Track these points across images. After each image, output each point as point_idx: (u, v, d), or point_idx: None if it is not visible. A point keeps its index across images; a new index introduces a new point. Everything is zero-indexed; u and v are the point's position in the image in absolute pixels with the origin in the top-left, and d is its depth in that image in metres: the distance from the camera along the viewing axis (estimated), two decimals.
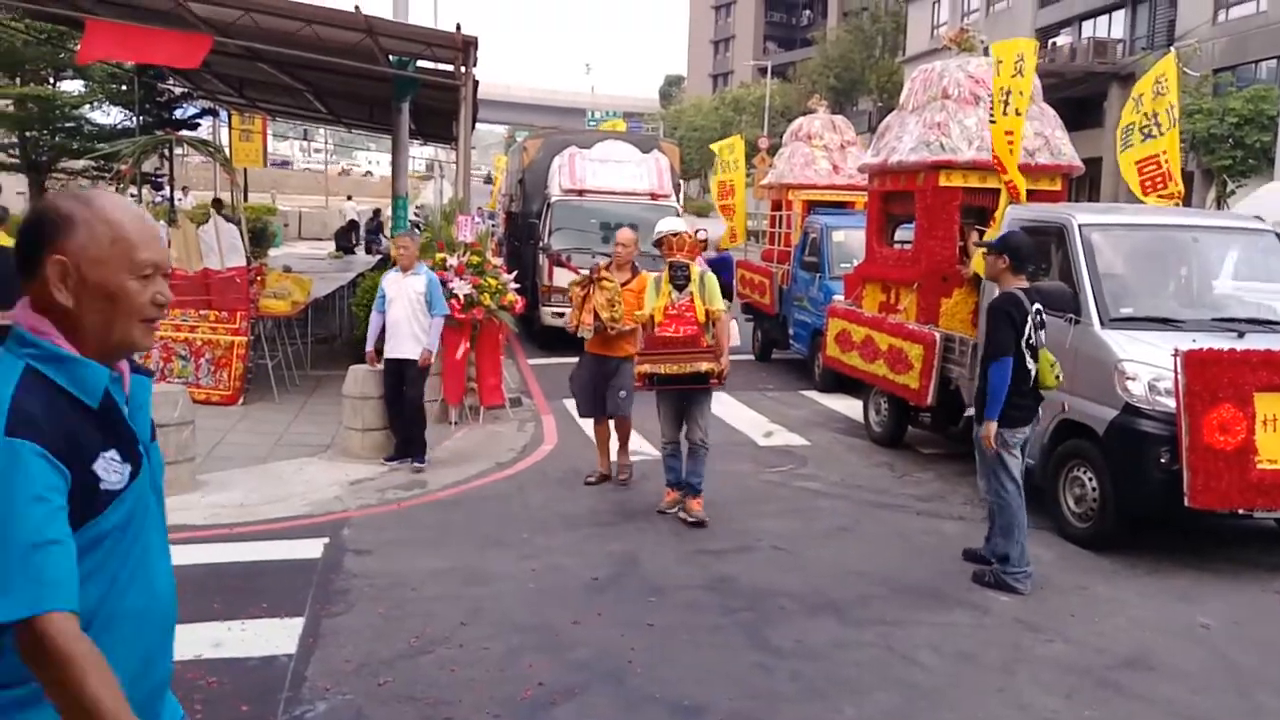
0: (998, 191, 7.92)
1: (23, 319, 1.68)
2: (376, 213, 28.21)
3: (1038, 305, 5.59)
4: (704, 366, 6.49)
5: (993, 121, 7.68)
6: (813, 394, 11.36)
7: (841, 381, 10.63)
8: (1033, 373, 5.57)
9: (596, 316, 6.95)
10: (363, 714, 3.88)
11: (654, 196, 13.98)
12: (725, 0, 79.50)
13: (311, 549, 5.78)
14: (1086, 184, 29.86)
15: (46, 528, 1.55)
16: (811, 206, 13.28)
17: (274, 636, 4.56)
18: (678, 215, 13.64)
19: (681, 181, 17.73)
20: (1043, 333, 5.65)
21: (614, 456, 7.52)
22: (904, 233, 9.65)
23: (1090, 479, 6.25)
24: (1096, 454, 6.21)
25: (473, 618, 4.86)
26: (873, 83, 49.12)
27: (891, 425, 8.90)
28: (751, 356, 14.02)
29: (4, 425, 1.56)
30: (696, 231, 15.07)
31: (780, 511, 6.94)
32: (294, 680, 4.15)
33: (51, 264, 1.66)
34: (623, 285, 7.14)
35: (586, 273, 7.21)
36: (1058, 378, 5.73)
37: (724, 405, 10.39)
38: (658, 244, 6.76)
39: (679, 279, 6.57)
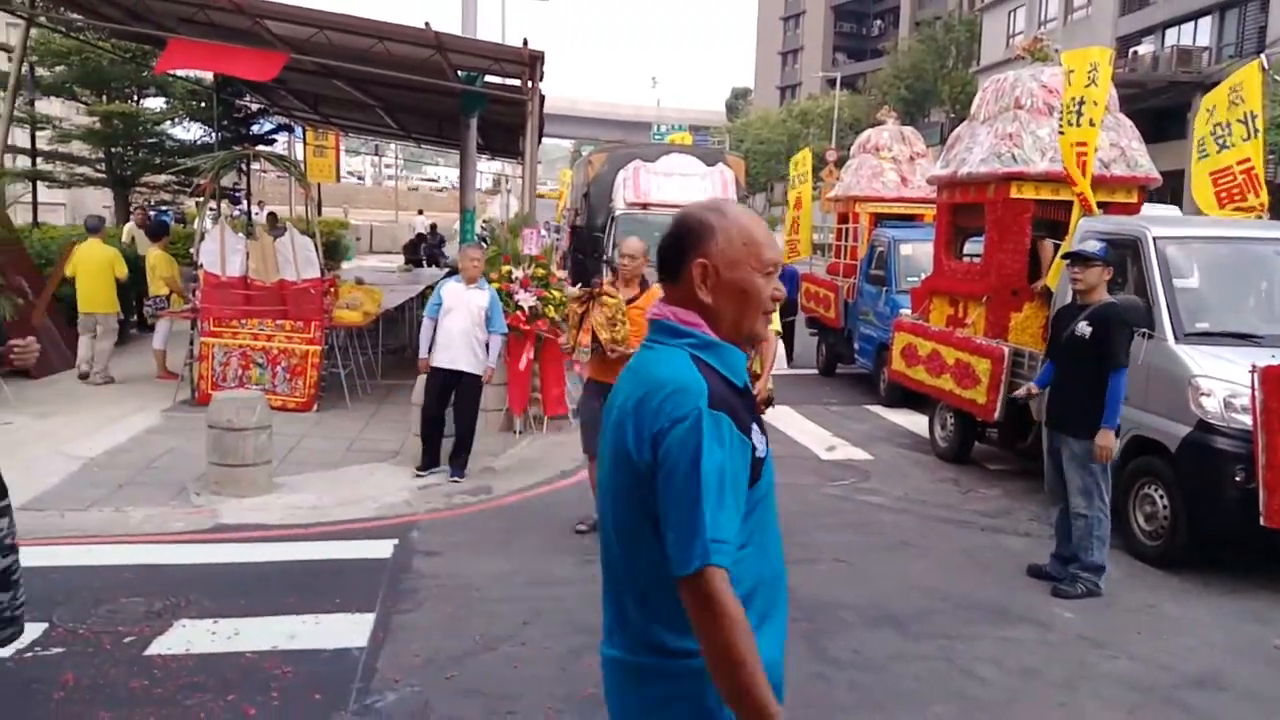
0: (1070, 204, 7.84)
1: (671, 314, 1.93)
2: (433, 228, 28.87)
3: None
4: None
5: (1061, 133, 7.60)
6: (877, 409, 11.28)
7: (907, 396, 10.55)
8: None
9: (595, 338, 6.25)
10: (430, 706, 4.00)
11: None
12: (794, 11, 79.29)
13: (382, 549, 5.94)
14: (1167, 197, 29.07)
15: (733, 492, 1.77)
16: (879, 219, 13.22)
17: (346, 631, 4.71)
18: None
19: (747, 195, 17.75)
20: None
21: None
22: (973, 246, 9.57)
23: (1161, 497, 6.14)
24: (1168, 471, 6.10)
25: (535, 618, 4.96)
26: (945, 94, 48.46)
27: (957, 441, 8.81)
28: (815, 371, 13.98)
29: (706, 400, 1.78)
30: None
31: (842, 525, 6.92)
32: (365, 672, 4.29)
33: (695, 266, 1.90)
34: (629, 303, 6.41)
35: (586, 288, 6.59)
36: None
37: (786, 419, 10.39)
38: None
39: None
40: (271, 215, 18.06)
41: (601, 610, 2.01)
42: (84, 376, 10.54)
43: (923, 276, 10.11)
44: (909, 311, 9.96)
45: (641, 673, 1.89)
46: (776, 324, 6.33)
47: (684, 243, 1.92)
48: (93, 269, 10.67)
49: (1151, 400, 6.33)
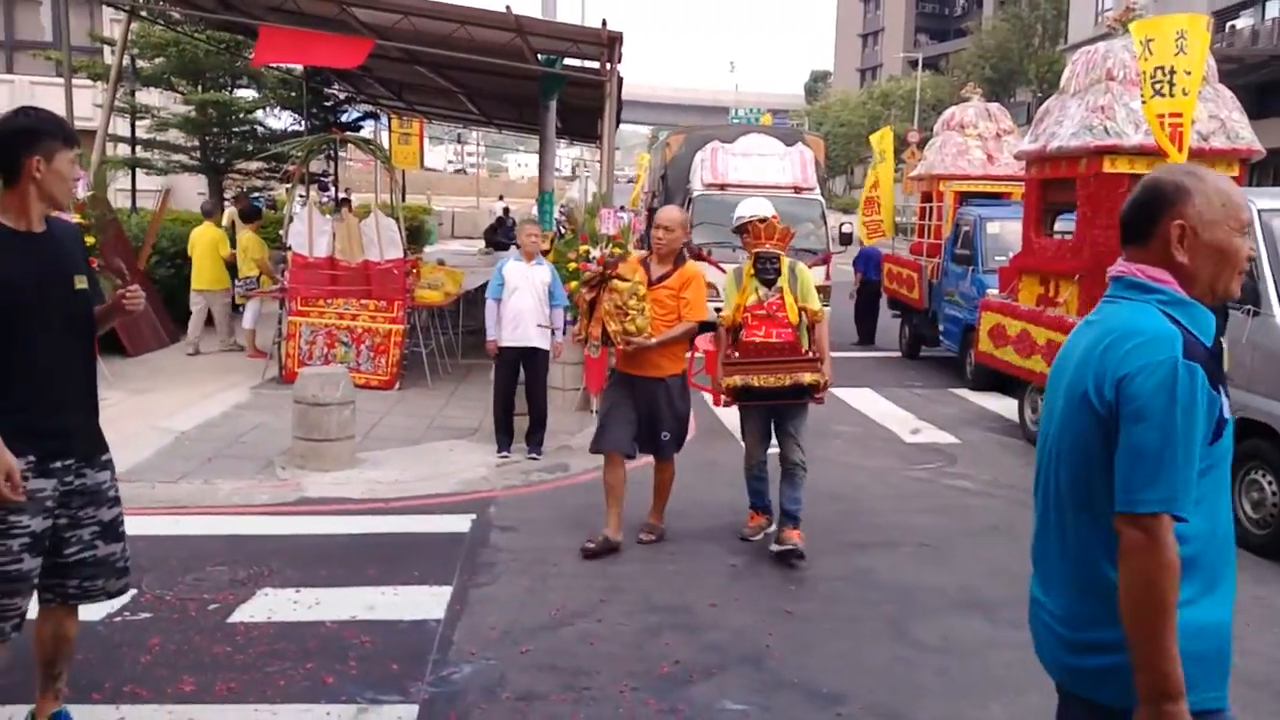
0: None
1: (1138, 271, 2.00)
2: (506, 211, 29.34)
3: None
4: (807, 378, 5.42)
5: (1144, 103, 7.28)
6: (963, 392, 11.00)
7: (995, 379, 10.28)
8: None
9: (605, 328, 5.43)
10: (505, 679, 3.99)
11: (797, 190, 13.77)
12: None
13: (460, 524, 5.98)
14: (1270, 174, 27.81)
15: (1197, 446, 1.83)
16: (964, 198, 12.88)
17: (424, 602, 4.73)
18: (823, 209, 13.46)
19: (827, 176, 17.42)
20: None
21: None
22: (1063, 223, 9.26)
23: (1270, 482, 5.83)
24: (1276, 455, 5.80)
25: (612, 595, 4.92)
26: (1032, 73, 47.01)
27: None
28: (898, 353, 13.71)
29: (1181, 350, 1.85)
30: (841, 225, 14.78)
31: (927, 509, 6.74)
32: (442, 643, 4.30)
33: (1172, 228, 1.96)
34: (658, 282, 5.53)
35: (599, 268, 5.66)
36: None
37: (869, 401, 10.21)
38: (739, 230, 5.73)
39: (767, 272, 5.50)
40: (345, 200, 18.33)
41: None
42: (195, 353, 11.24)
43: (1010, 255, 9.82)
44: (996, 291, 9.67)
45: (1077, 618, 1.98)
46: (817, 302, 5.65)
47: (1156, 206, 1.98)
48: (203, 249, 11.40)
49: (1258, 380, 6.01)
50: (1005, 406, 9.90)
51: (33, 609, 3.20)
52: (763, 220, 5.61)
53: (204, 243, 11.39)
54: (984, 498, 7.01)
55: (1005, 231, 11.11)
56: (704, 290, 5.60)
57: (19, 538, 2.98)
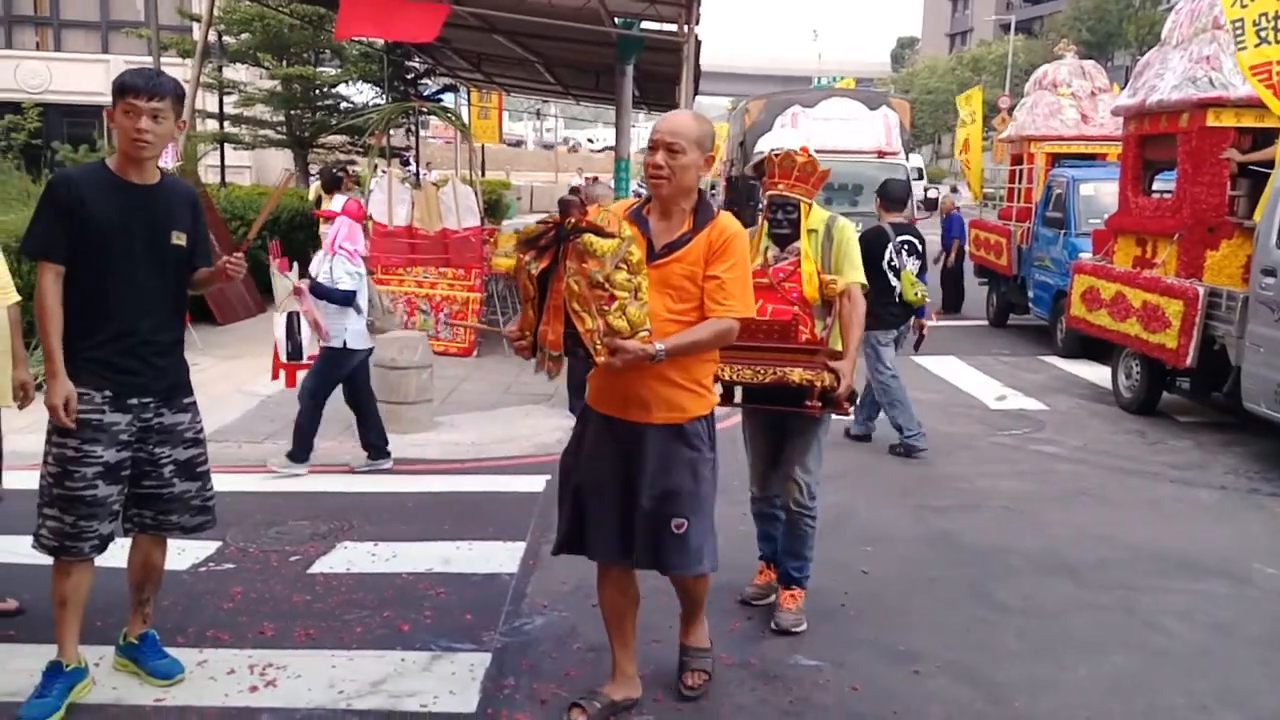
0: (1277, 132, 7.10)
1: None
2: (593, 180, 29.43)
3: (905, 237, 6.66)
4: (796, 376, 3.74)
5: (1242, 50, 6.87)
6: (1053, 359, 10.65)
7: (1087, 346, 9.96)
8: (897, 289, 6.51)
9: (569, 325, 2.86)
10: (576, 630, 3.98)
11: (881, 154, 13.48)
12: None
13: (534, 484, 5.99)
14: None
15: None
16: (1056, 159, 12.43)
17: (498, 557, 4.76)
18: (906, 176, 13.06)
19: (912, 143, 16.99)
20: (911, 259, 6.63)
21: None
22: (1162, 183, 8.88)
23: None
24: None
25: None
26: (1130, 35, 45.21)
27: (1143, 390, 8.18)
28: (985, 321, 13.35)
29: None
30: (926, 190, 14.40)
31: (1012, 473, 6.54)
32: (515, 596, 4.32)
33: None
34: (666, 253, 3.07)
35: (543, 219, 2.93)
36: (918, 295, 6.61)
37: (952, 369, 9.95)
38: (757, 174, 4.26)
39: (779, 225, 4.01)
40: (405, 164, 18.51)
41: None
42: None
43: (1105, 218, 9.45)
44: (1089, 255, 9.33)
45: None
46: (857, 273, 4.02)
47: None
48: None
49: None
50: (1097, 374, 9.56)
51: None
52: (779, 154, 4.09)
53: None
54: (1072, 463, 6.77)
55: (1099, 193, 10.69)
56: (748, 263, 3.21)
57: (92, 465, 3.15)
